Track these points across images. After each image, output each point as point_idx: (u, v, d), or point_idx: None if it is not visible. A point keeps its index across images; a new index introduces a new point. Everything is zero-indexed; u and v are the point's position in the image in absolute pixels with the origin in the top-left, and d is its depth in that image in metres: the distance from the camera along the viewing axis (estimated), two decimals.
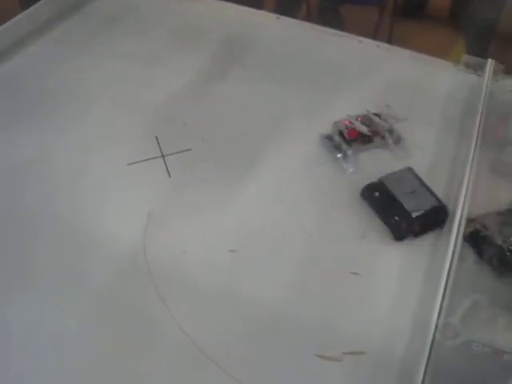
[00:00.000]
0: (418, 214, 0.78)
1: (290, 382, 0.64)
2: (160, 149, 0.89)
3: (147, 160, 0.87)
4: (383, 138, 0.91)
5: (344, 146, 0.89)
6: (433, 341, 0.64)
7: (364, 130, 0.90)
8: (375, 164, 0.88)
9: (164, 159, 0.88)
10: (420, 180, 0.82)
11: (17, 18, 1.08)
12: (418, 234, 0.79)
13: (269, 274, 0.74)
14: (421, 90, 1.04)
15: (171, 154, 0.88)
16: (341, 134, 0.90)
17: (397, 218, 0.78)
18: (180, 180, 0.85)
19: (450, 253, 0.72)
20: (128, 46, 1.10)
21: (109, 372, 0.64)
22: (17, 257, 0.75)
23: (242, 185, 0.85)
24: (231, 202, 0.83)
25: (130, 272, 0.74)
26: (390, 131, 0.91)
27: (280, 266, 0.75)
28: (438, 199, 0.80)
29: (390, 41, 1.71)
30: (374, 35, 1.90)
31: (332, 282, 0.74)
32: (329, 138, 0.90)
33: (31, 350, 0.65)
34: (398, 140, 0.91)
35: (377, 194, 0.81)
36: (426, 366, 0.62)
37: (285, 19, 1.20)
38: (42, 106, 0.96)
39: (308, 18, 2.10)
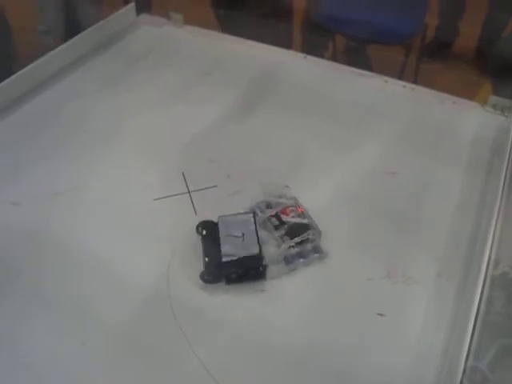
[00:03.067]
0: (228, 259, 0.74)
1: None
2: (186, 185, 0.90)
3: (173, 196, 0.88)
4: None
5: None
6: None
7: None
8: None
9: (190, 195, 0.88)
10: (256, 226, 0.78)
11: (54, 51, 1.13)
12: (230, 281, 0.75)
13: (291, 314, 0.74)
14: (447, 130, 1.04)
15: (197, 191, 0.89)
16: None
17: (207, 259, 0.75)
18: (205, 217, 0.85)
19: (478, 296, 0.71)
20: (158, 81, 1.13)
21: None
22: (40, 286, 0.76)
23: None
24: None
25: (153, 309, 0.74)
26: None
27: (301, 303, 0.75)
28: (260, 249, 0.75)
29: (415, 81, 1.71)
30: (400, 75, 1.91)
31: (355, 321, 0.73)
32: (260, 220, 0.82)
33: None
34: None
35: (204, 232, 0.79)
36: None
37: (312, 59, 1.22)
38: (74, 140, 0.99)
39: (334, 57, 2.12)
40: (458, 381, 0.63)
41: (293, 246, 0.78)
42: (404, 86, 1.15)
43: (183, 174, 0.92)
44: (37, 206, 0.87)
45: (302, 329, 0.72)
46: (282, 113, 1.06)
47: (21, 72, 1.08)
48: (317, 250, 0.79)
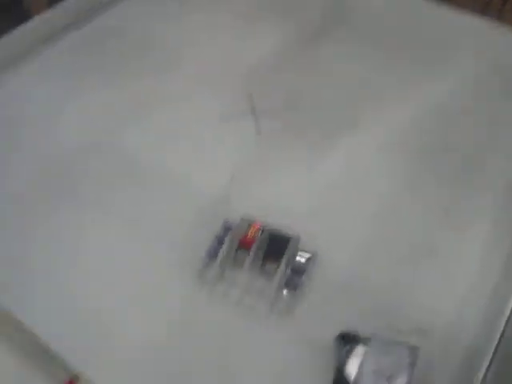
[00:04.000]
0: None
1: None
2: (252, 105, 0.90)
3: (239, 115, 0.89)
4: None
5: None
6: (502, 335, 0.64)
7: None
8: None
9: (255, 117, 0.89)
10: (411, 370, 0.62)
11: None
12: None
13: (346, 239, 0.75)
14: None
15: (263, 113, 0.89)
16: None
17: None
18: (268, 139, 0.86)
19: None
20: (231, 4, 1.11)
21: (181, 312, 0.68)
22: (104, 195, 0.80)
23: (327, 150, 0.85)
24: (316, 165, 0.84)
25: (208, 221, 0.75)
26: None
27: (355, 229, 0.76)
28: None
29: (499, 17, 1.62)
30: (484, 11, 1.81)
31: (412, 255, 0.74)
32: None
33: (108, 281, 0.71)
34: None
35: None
36: (493, 358, 0.62)
37: None
38: (141, 55, 1.00)
39: None
40: (501, 329, 0.64)
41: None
42: (486, 24, 1.09)
43: (250, 95, 0.92)
44: (105, 120, 0.89)
45: (353, 258, 0.74)
46: (352, 42, 1.03)
47: None
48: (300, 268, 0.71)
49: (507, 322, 0.65)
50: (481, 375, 0.61)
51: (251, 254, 0.71)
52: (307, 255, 0.72)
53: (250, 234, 0.72)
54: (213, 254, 0.71)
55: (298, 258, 0.72)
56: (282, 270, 0.70)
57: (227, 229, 0.73)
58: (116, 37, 1.02)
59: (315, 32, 1.05)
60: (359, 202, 0.80)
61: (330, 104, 0.92)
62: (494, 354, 0.62)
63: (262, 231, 0.72)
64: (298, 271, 0.71)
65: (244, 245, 0.72)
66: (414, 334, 0.65)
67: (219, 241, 0.72)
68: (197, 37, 1.03)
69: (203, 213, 0.77)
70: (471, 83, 0.95)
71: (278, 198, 0.79)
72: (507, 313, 0.66)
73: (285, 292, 0.69)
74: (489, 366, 0.61)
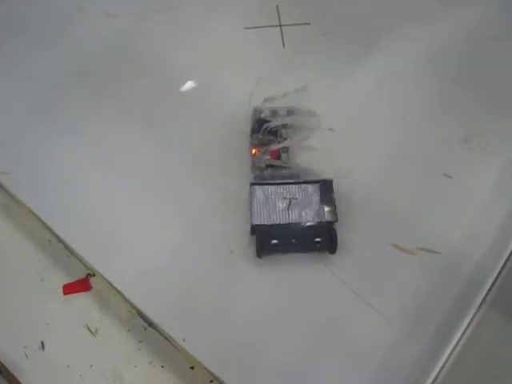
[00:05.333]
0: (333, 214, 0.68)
1: (363, 265, 0.67)
2: (279, 18, 0.89)
3: (264, 27, 0.88)
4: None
5: (284, 171, 0.73)
6: (508, 257, 0.65)
7: (277, 146, 0.74)
8: None
9: (281, 29, 0.87)
10: (272, 183, 0.69)
11: None
12: None
13: (363, 157, 0.75)
14: None
15: (289, 25, 0.88)
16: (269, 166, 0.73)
17: (319, 240, 0.67)
18: (293, 51, 0.85)
19: None
20: None
21: (195, 222, 0.70)
22: (128, 103, 0.80)
23: (355, 66, 0.84)
24: (341, 83, 0.82)
25: (231, 131, 0.76)
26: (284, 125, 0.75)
27: (374, 151, 0.76)
28: (308, 182, 0.69)
29: None
30: None
31: (424, 179, 0.74)
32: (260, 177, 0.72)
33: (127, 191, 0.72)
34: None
35: (274, 241, 0.67)
36: (495, 279, 0.64)
37: None
38: None
39: None
40: (508, 253, 0.65)
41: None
42: None
43: (277, 6, 0.90)
44: (129, 19, 0.88)
45: (367, 174, 0.74)
46: None
47: None
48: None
49: None
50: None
51: None
52: None
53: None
54: None
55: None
56: None
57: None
58: None
59: None
60: (382, 122, 0.79)
61: (361, 17, 0.89)
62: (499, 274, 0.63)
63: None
64: None
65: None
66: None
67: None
68: None
69: (224, 121, 0.78)
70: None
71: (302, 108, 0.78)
72: None
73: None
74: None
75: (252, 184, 0.69)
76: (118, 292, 0.66)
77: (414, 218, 0.70)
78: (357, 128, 0.78)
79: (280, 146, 0.74)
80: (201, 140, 0.76)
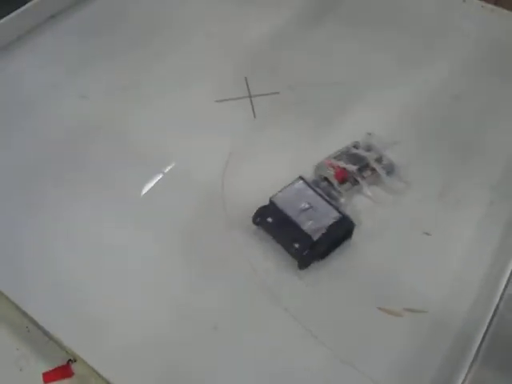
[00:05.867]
0: (319, 235, 0.68)
1: (349, 331, 0.66)
2: (248, 89, 0.91)
3: (235, 99, 0.89)
4: (373, 170, 0.78)
5: (334, 192, 0.76)
6: (495, 311, 0.64)
7: (352, 168, 0.76)
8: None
9: (251, 100, 0.89)
10: (314, 190, 0.73)
11: None
12: (324, 255, 0.70)
13: None
14: None
15: (258, 96, 0.90)
16: (326, 179, 0.77)
17: (297, 246, 0.68)
18: (264, 121, 0.86)
19: None
20: None
21: (177, 299, 0.69)
22: (104, 174, 0.80)
23: (323, 133, 0.85)
24: (310, 149, 0.83)
25: (205, 205, 0.77)
26: (379, 160, 0.79)
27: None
28: (338, 210, 0.70)
29: (497, 2, 1.61)
30: None
31: (404, 238, 0.74)
32: (315, 184, 0.76)
33: (107, 263, 0.71)
34: (391, 169, 0.79)
35: (269, 219, 0.71)
36: (485, 335, 0.63)
37: None
38: (143, 38, 1.00)
39: None
40: (494, 307, 0.65)
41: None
42: (482, 7, 1.09)
43: (246, 78, 0.92)
44: (103, 99, 0.89)
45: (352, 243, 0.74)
46: (350, 23, 1.03)
47: None
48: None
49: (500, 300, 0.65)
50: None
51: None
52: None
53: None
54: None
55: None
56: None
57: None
58: (114, 21, 1.03)
59: (312, 13, 1.05)
60: None
61: (328, 85, 0.92)
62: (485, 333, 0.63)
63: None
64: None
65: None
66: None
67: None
68: (192, 20, 1.03)
69: (200, 195, 0.78)
70: (471, 63, 0.95)
71: (273, 180, 0.78)
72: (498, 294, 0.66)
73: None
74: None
75: (301, 177, 0.73)
76: (101, 377, 0.63)
77: (398, 279, 0.70)
78: None
79: (352, 168, 0.76)
80: (175, 215, 0.76)
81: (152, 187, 0.79)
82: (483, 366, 0.60)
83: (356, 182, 0.77)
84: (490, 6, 1.08)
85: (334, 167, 0.76)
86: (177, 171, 0.81)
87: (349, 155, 0.78)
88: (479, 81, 0.93)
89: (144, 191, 0.79)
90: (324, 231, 0.68)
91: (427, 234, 0.74)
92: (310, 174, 0.78)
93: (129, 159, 0.82)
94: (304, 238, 0.68)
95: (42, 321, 0.66)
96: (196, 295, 0.69)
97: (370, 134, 0.81)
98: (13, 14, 0.96)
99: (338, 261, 0.71)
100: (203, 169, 0.81)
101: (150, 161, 0.82)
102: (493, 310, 0.64)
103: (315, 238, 0.68)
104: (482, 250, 0.73)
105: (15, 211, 0.76)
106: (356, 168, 0.76)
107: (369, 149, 0.80)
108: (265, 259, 0.71)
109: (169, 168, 0.81)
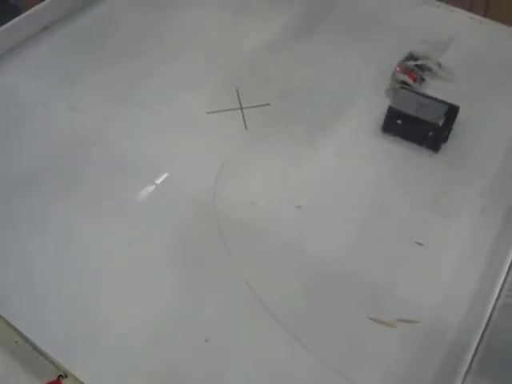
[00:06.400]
0: (442, 121, 0.84)
1: (342, 342, 0.66)
2: (239, 101, 0.91)
3: (226, 111, 0.89)
4: (430, 70, 0.97)
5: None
6: (489, 319, 0.64)
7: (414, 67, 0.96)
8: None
9: (242, 111, 0.89)
10: (416, 92, 0.89)
11: None
12: (446, 138, 0.86)
13: (332, 233, 0.75)
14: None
15: (250, 107, 0.90)
16: (403, 82, 0.94)
17: (430, 134, 0.84)
18: (256, 133, 0.86)
19: None
20: None
21: (170, 312, 0.68)
22: (92, 190, 0.79)
23: (315, 143, 0.86)
24: (303, 159, 0.84)
25: (198, 217, 0.76)
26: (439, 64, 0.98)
27: (344, 226, 0.76)
28: (440, 100, 0.86)
29: (485, 14, 1.63)
30: (470, 6, 1.82)
31: (395, 248, 0.74)
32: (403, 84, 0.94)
33: (98, 278, 0.70)
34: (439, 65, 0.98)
35: (399, 121, 0.85)
36: (478, 344, 0.62)
37: None
38: (133, 51, 0.99)
39: None
40: (487, 314, 0.64)
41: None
42: (471, 18, 1.10)
43: (237, 90, 0.92)
44: (95, 113, 0.89)
45: (339, 250, 0.74)
46: (340, 34, 1.04)
47: None
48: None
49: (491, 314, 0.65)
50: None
51: None
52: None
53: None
54: None
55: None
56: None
57: None
58: (104, 34, 1.03)
59: (301, 24, 1.06)
60: (347, 197, 0.80)
61: (319, 93, 0.92)
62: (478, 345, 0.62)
63: None
64: None
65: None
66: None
67: None
68: (184, 32, 1.03)
69: (192, 206, 0.77)
70: (461, 73, 0.97)
71: (265, 192, 0.79)
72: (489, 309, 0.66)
73: None
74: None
75: (402, 87, 0.90)
76: None
77: (390, 289, 0.70)
78: (324, 204, 0.79)
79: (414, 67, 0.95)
80: (167, 227, 0.75)
81: (144, 199, 0.79)
82: (478, 376, 0.60)
83: (422, 80, 0.95)
84: (479, 18, 1.10)
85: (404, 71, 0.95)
86: (169, 183, 0.80)
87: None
88: (470, 91, 0.94)
89: (136, 203, 0.78)
90: (444, 118, 0.84)
91: (419, 243, 0.74)
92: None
93: (120, 172, 0.81)
94: (431, 127, 0.83)
95: (32, 335, 0.65)
96: (188, 308, 0.68)
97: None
98: (6, 25, 0.96)
99: (327, 273, 0.71)
100: (195, 180, 0.80)
101: (141, 173, 0.82)
102: (486, 318, 0.64)
103: (440, 123, 0.83)
104: (474, 259, 0.73)
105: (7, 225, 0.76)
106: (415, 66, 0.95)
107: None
108: (257, 270, 0.71)
109: (161, 180, 0.81)
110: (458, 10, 1.11)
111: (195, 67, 0.97)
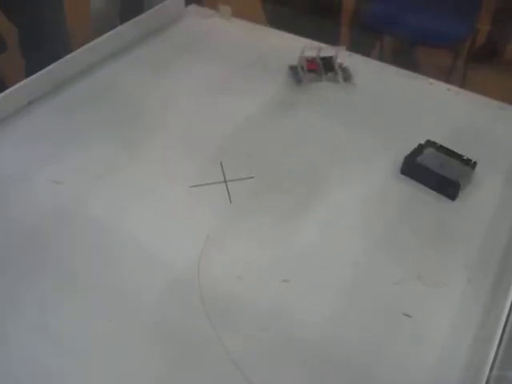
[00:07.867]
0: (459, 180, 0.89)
1: None
2: (223, 174, 0.91)
3: (210, 184, 0.90)
4: (336, 74, 1.12)
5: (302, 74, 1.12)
6: None
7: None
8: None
9: (226, 185, 0.89)
10: (442, 152, 0.94)
11: (100, 38, 1.15)
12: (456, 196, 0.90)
13: (320, 306, 0.74)
14: (490, 137, 1.02)
15: (234, 181, 0.90)
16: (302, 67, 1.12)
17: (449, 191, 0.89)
18: (240, 206, 0.86)
19: (509, 302, 0.70)
20: (202, 71, 1.15)
21: None
22: (72, 264, 0.78)
23: (300, 217, 0.86)
24: (289, 233, 0.83)
25: (181, 293, 0.75)
26: (343, 69, 1.14)
27: (331, 301, 0.75)
28: (462, 161, 0.92)
29: (462, 85, 1.68)
30: (447, 78, 1.88)
31: (382, 320, 0.73)
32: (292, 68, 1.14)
33: (81, 356, 0.68)
34: (348, 77, 1.13)
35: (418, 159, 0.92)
36: None
37: (356, 56, 1.21)
38: (116, 125, 1.01)
39: (381, 57, 2.11)
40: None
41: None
42: (448, 89, 1.13)
43: (221, 163, 0.93)
44: (77, 186, 0.89)
45: (326, 324, 0.72)
46: (321, 110, 1.06)
47: (69, 56, 1.10)
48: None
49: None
50: None
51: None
52: None
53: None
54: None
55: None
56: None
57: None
58: (89, 105, 1.05)
59: (286, 100, 1.09)
60: (333, 269, 0.79)
61: (303, 170, 0.93)
62: None
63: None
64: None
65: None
66: None
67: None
68: (169, 104, 1.06)
69: (174, 282, 0.76)
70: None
71: (251, 266, 0.78)
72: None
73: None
74: None
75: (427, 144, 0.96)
76: None
77: (377, 363, 0.68)
78: (308, 277, 0.78)
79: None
80: (150, 303, 0.74)
81: (127, 275, 0.77)
82: None
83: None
84: (456, 89, 1.13)
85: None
86: (152, 258, 0.79)
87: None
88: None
89: (120, 279, 0.76)
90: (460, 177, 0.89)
91: (408, 315, 0.73)
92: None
93: (103, 247, 0.80)
94: (451, 184, 0.89)
95: None
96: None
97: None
98: None
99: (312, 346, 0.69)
100: (179, 254, 0.79)
101: (124, 248, 0.80)
102: None
103: (460, 181, 0.89)
104: (463, 331, 0.71)
105: None
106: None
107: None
108: (243, 347, 0.69)
109: (144, 255, 0.79)
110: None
111: (180, 141, 0.98)
